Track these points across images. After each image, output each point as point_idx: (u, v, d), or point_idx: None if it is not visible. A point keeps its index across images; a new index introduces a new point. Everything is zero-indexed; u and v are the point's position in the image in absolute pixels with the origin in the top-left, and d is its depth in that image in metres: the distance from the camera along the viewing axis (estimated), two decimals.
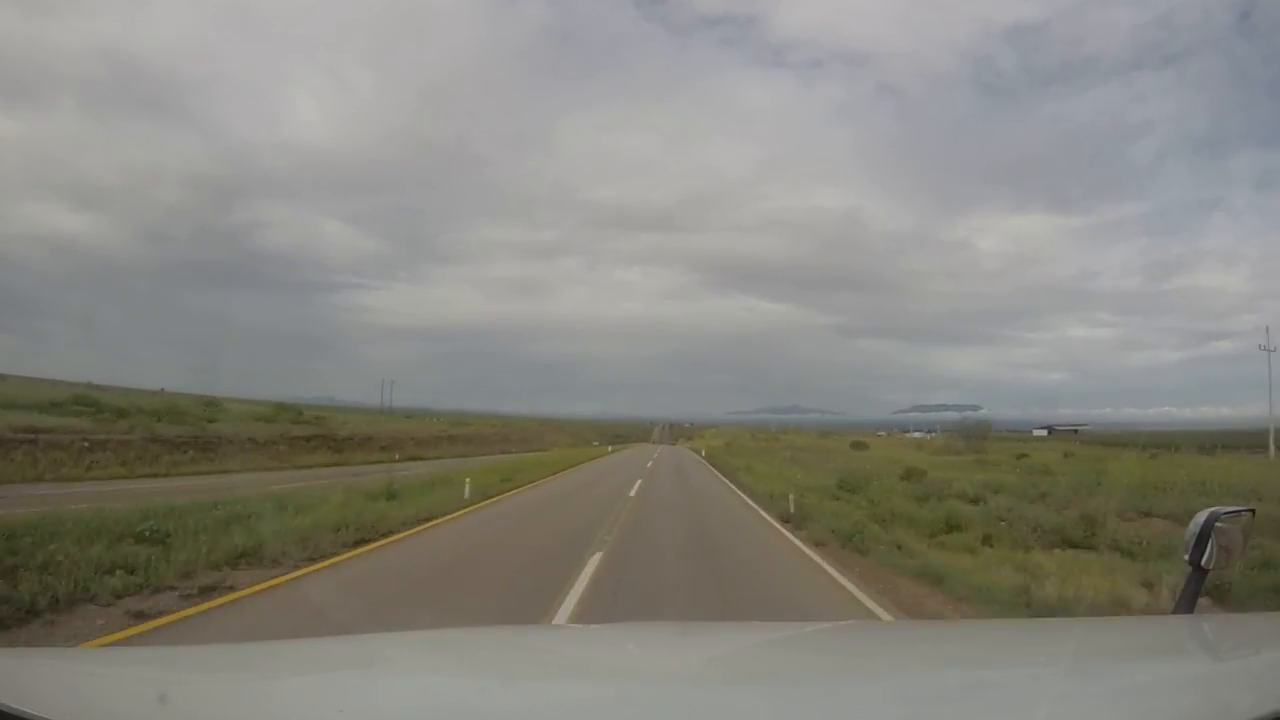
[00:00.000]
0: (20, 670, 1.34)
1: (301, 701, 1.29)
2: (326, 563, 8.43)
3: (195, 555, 7.60)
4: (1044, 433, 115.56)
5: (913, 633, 2.88)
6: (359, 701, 1.27)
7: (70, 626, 5.53)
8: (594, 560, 8.71)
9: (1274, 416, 49.90)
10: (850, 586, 7.95)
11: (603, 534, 10.90)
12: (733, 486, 23.11)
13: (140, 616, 5.82)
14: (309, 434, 43.78)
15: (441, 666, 1.65)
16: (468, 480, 15.44)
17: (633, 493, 18.63)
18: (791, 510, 14.01)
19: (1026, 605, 6.91)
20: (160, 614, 5.90)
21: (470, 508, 13.97)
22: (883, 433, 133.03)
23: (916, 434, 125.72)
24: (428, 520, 11.86)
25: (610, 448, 66.50)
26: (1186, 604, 1.74)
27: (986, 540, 12.85)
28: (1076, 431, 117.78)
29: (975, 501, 18.13)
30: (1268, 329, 49.10)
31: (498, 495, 16.43)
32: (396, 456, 42.28)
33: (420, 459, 41.55)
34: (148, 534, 8.28)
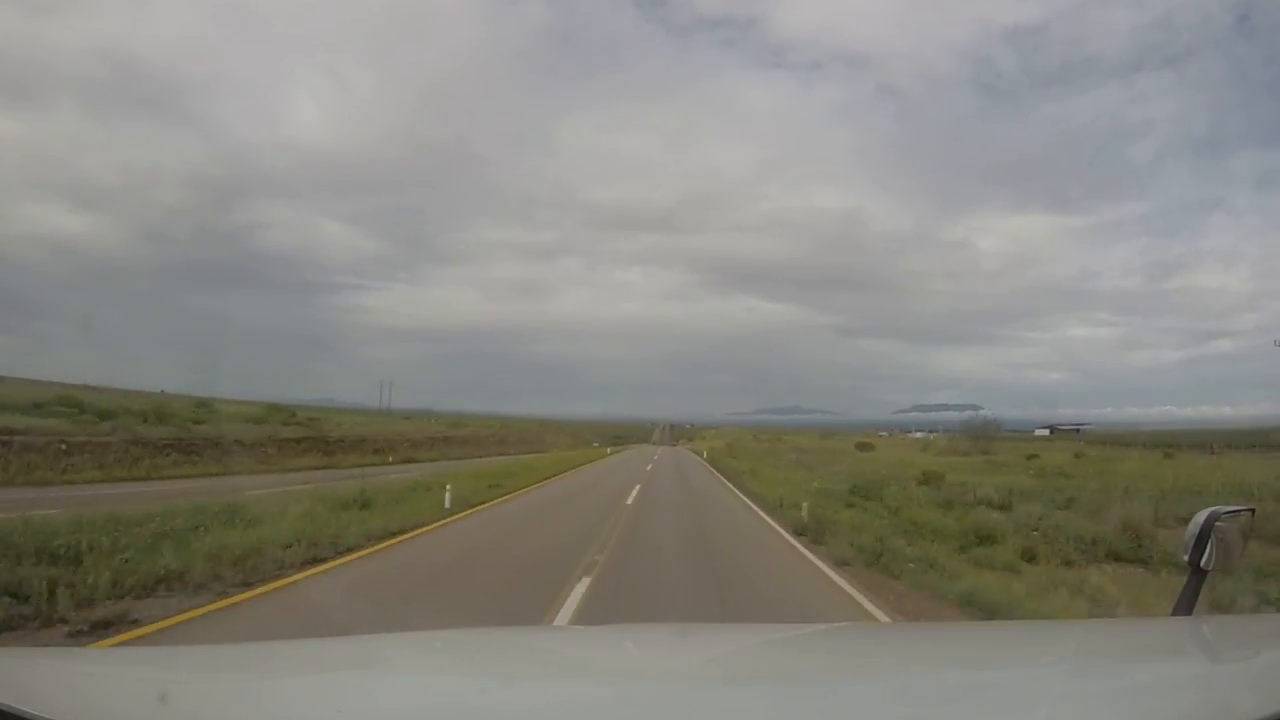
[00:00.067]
0: (20, 670, 1.34)
1: (301, 701, 1.28)
2: (259, 590, 7.10)
3: (104, 579, 6.44)
4: (1046, 432, 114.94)
5: (913, 633, 2.91)
6: (358, 701, 1.27)
7: None
8: (580, 589, 7.33)
9: None
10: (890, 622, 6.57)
11: (594, 552, 9.49)
12: (738, 492, 21.49)
13: None
14: (298, 436, 42.92)
15: (441, 666, 1.64)
16: (448, 487, 13.96)
17: (630, 500, 17.06)
18: (805, 521, 12.59)
19: None
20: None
21: (449, 519, 12.55)
22: (884, 433, 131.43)
23: (918, 434, 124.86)
24: (397, 534, 10.48)
25: (609, 449, 65.18)
26: (1186, 605, 1.72)
27: (1027, 555, 11.51)
28: (1079, 431, 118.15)
29: (1001, 508, 16.77)
30: None
31: (482, 504, 14.94)
32: (390, 459, 41.53)
33: (414, 461, 40.86)
34: (61, 551, 7.13)
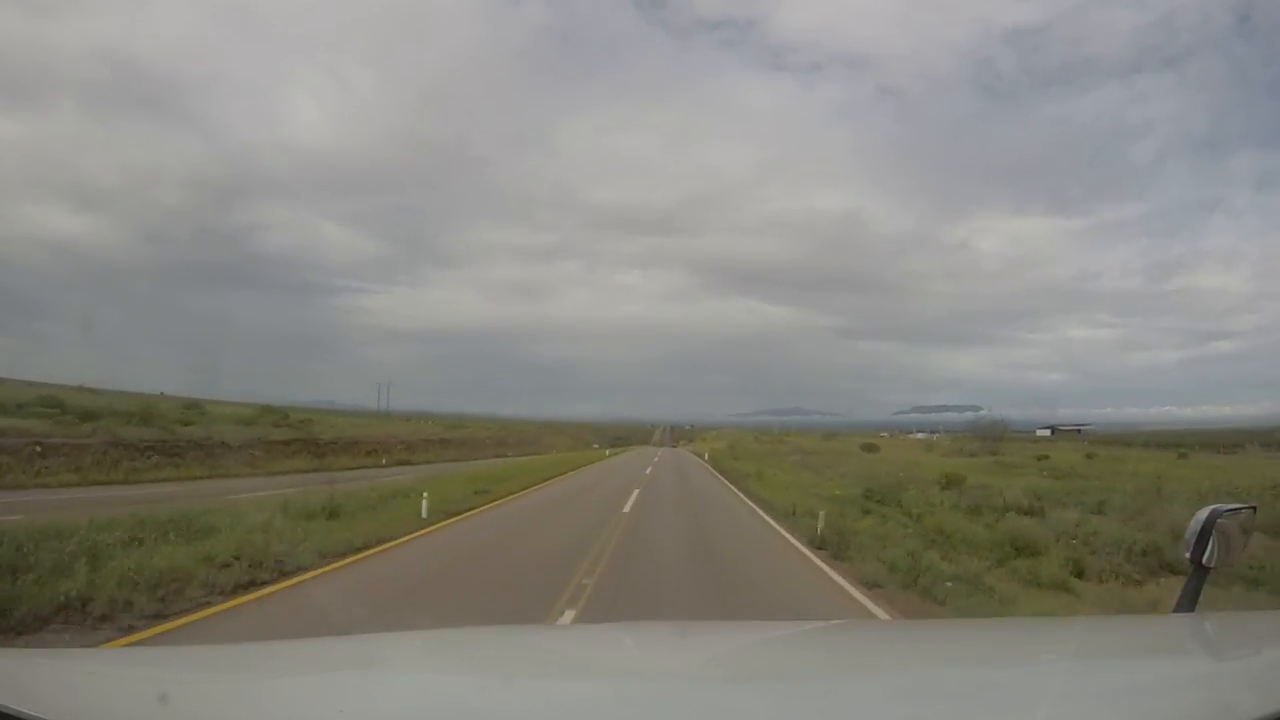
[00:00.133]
0: (20, 670, 1.33)
1: (301, 701, 1.28)
2: (171, 623, 5.94)
3: None
4: (1047, 433, 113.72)
5: (913, 632, 2.90)
6: (359, 701, 1.26)
7: None
8: (565, 621, 6.00)
9: None
10: None
11: (581, 574, 8.11)
12: (744, 498, 19.98)
13: None
14: (288, 438, 41.99)
15: (441, 666, 1.63)
16: (426, 495, 12.58)
17: (627, 508, 15.52)
18: (823, 532, 11.26)
19: None
20: None
21: (422, 531, 11.18)
22: (885, 434, 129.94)
23: (920, 435, 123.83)
24: (360, 549, 9.18)
25: (609, 451, 63.89)
26: (1187, 603, 1.72)
27: (1075, 568, 10.21)
28: (1080, 431, 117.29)
29: (1030, 514, 15.47)
30: None
31: (463, 513, 13.51)
32: (383, 461, 40.68)
33: (409, 464, 40.36)
34: None
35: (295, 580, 7.55)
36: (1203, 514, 1.69)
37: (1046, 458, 45.21)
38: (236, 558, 7.59)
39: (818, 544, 10.73)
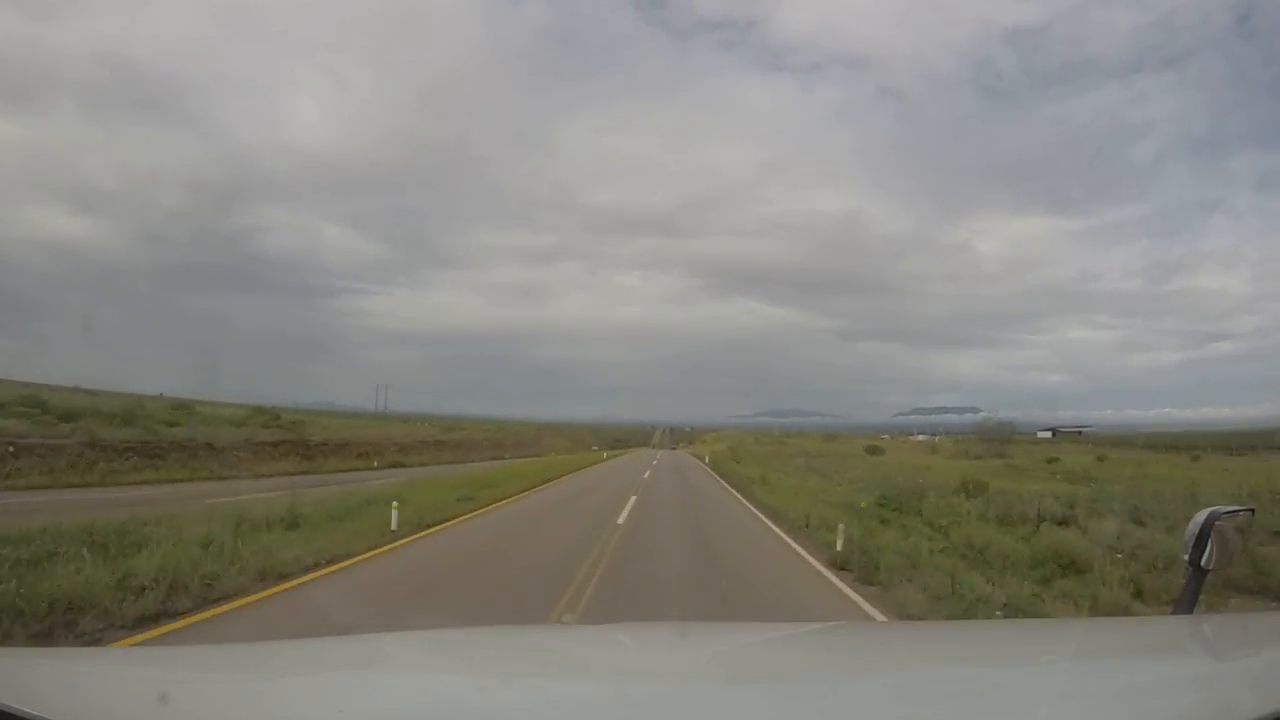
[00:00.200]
0: (20, 670, 1.34)
1: (301, 701, 1.27)
2: None
3: None
4: (1048, 435, 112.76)
5: (913, 632, 2.92)
6: (359, 701, 1.26)
7: None
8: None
9: None
10: None
11: (562, 608, 6.77)
12: (750, 506, 18.55)
13: None
14: (276, 439, 40.91)
15: (441, 666, 1.63)
16: (395, 505, 11.20)
17: (622, 519, 14.09)
18: (844, 549, 9.94)
19: None
20: None
21: (387, 546, 9.82)
22: (886, 435, 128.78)
23: (921, 436, 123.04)
24: (310, 569, 7.89)
25: (606, 454, 62.63)
26: (1186, 604, 1.75)
27: (1134, 589, 8.92)
28: (1080, 433, 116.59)
29: (1063, 523, 14.17)
30: None
31: (438, 524, 12.14)
32: (375, 464, 39.70)
33: (402, 466, 39.33)
34: None
35: (218, 610, 6.28)
36: (1200, 516, 1.71)
37: (1056, 460, 43.91)
38: (157, 579, 6.38)
39: (840, 564, 9.40)
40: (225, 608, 6.33)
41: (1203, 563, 1.67)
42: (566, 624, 5.47)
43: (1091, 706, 1.16)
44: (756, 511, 17.19)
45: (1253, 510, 1.94)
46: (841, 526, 10.68)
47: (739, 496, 21.72)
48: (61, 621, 5.47)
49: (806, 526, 12.84)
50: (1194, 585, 1.73)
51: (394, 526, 10.76)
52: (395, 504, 11.16)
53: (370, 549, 9.34)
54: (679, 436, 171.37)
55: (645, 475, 30.76)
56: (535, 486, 22.18)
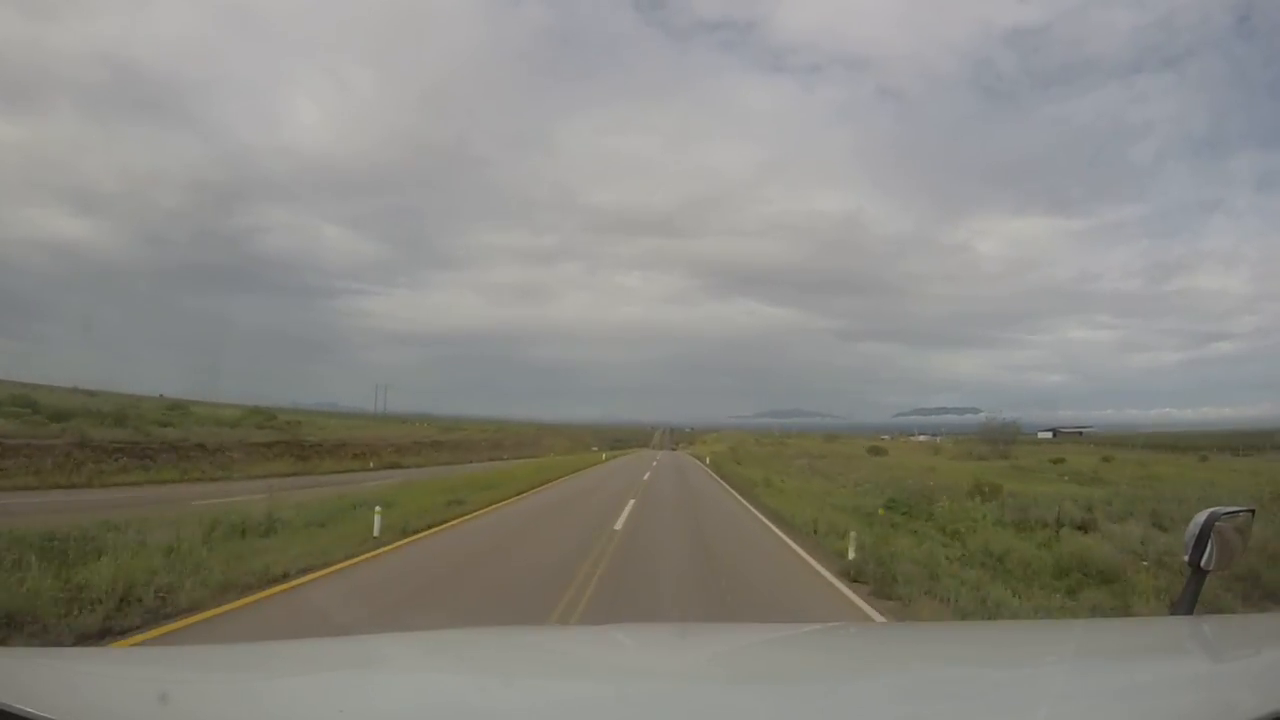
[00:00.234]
0: (20, 670, 1.33)
1: (301, 701, 1.27)
2: None
3: None
4: (1049, 435, 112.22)
5: (912, 632, 2.90)
6: (359, 701, 1.26)
7: None
8: None
9: None
10: None
11: (556, 621, 6.12)
12: (754, 510, 17.84)
13: None
14: (270, 440, 40.50)
15: (441, 666, 1.63)
16: (379, 510, 10.54)
17: (619, 524, 13.38)
18: (856, 558, 9.28)
19: None
20: None
21: (365, 555, 9.14)
22: (886, 436, 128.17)
23: (922, 437, 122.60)
24: (277, 582, 7.23)
25: (606, 454, 62.01)
26: (1186, 604, 1.74)
27: (1170, 601, 8.30)
28: (1081, 433, 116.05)
29: (1083, 528, 13.53)
30: None
31: (425, 530, 11.46)
32: (371, 465, 39.37)
33: (399, 467, 38.26)
34: None
35: (168, 627, 5.67)
36: (1201, 516, 1.70)
37: (1062, 461, 43.26)
38: (109, 591, 5.80)
39: (853, 575, 8.74)
40: (177, 624, 5.72)
41: (1203, 563, 1.67)
42: (566, 625, 5.42)
43: (1091, 706, 1.16)
44: (760, 515, 16.52)
45: (1253, 511, 1.92)
46: (853, 533, 10.04)
47: (742, 500, 21.02)
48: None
49: (815, 533, 12.17)
50: (1193, 586, 1.74)
51: (376, 533, 10.10)
52: (379, 509, 10.50)
53: (347, 559, 8.66)
54: (679, 437, 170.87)
55: (645, 477, 30.08)
56: (531, 489, 21.50)
